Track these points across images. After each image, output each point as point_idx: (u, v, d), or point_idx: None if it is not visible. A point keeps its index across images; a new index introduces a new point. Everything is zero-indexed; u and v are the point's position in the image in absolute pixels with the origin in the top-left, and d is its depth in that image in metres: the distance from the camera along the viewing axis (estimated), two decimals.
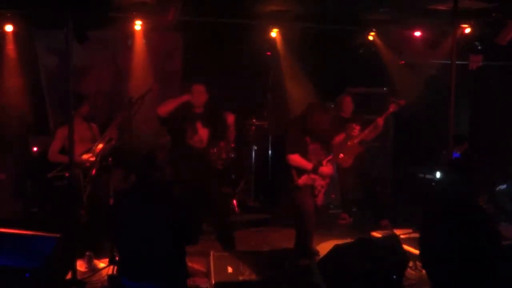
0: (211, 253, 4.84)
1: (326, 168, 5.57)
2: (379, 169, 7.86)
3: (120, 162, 6.11)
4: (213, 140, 5.83)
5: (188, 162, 5.56)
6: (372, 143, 7.04)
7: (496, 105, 7.68)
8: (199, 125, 5.63)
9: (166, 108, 5.50)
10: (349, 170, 6.94)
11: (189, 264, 4.47)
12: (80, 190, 5.63)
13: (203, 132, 5.65)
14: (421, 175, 8.01)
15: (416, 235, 6.28)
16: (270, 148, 8.11)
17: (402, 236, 6.05)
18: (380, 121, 6.71)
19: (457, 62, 6.34)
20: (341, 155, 6.79)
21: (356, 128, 5.96)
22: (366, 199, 7.18)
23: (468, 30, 7.15)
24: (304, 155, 5.50)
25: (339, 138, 5.97)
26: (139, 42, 7.22)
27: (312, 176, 5.53)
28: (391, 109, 6.72)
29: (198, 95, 5.58)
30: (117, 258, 4.66)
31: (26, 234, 4.36)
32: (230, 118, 5.68)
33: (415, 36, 7.74)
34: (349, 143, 6.69)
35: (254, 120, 7.78)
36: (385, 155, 8.07)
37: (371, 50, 8.16)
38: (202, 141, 5.65)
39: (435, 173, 7.76)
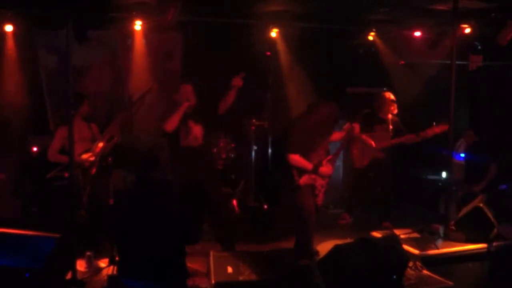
0: (211, 253, 4.85)
1: (326, 168, 5.56)
2: (380, 169, 7.84)
3: (120, 162, 6.11)
4: (210, 132, 5.80)
5: (187, 163, 5.55)
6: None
7: (495, 105, 7.68)
8: (191, 124, 5.61)
9: (173, 123, 5.46)
10: (362, 172, 6.92)
11: (189, 264, 4.47)
12: (80, 190, 5.62)
13: (196, 130, 5.63)
14: (425, 177, 7.93)
15: (416, 235, 6.34)
16: (270, 148, 8.11)
17: (402, 236, 6.07)
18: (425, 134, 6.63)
19: (457, 62, 6.36)
20: (355, 152, 6.76)
21: (357, 127, 5.93)
22: (370, 200, 7.17)
23: (468, 30, 7.15)
24: (305, 154, 5.50)
25: (338, 135, 5.91)
26: (139, 42, 7.22)
27: (313, 176, 5.53)
28: (435, 130, 6.57)
29: (187, 95, 5.56)
30: (117, 258, 4.66)
31: (26, 234, 4.35)
32: (237, 81, 5.50)
33: (415, 36, 7.74)
34: (370, 144, 6.66)
35: (254, 120, 7.77)
36: (385, 155, 8.05)
37: (371, 50, 8.15)
38: (197, 138, 5.64)
39: (440, 173, 7.68)
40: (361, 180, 7.11)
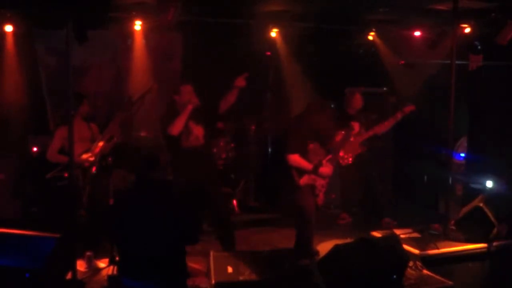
0: (211, 253, 4.85)
1: (326, 168, 5.56)
2: (380, 168, 7.84)
3: (120, 162, 6.11)
4: (211, 132, 5.80)
5: (188, 163, 5.55)
6: (373, 143, 7.02)
7: (496, 105, 7.67)
8: (192, 124, 5.59)
9: (178, 126, 5.42)
10: (350, 169, 6.92)
11: (189, 264, 4.46)
12: (80, 190, 5.62)
13: (197, 130, 5.62)
14: (474, 185, 7.41)
15: (416, 235, 6.33)
16: (270, 148, 8.11)
17: (402, 236, 6.06)
18: (389, 122, 6.79)
19: (457, 62, 6.36)
20: (341, 153, 6.77)
21: (356, 126, 5.94)
22: (366, 199, 7.17)
23: (468, 30, 7.15)
24: (304, 155, 5.50)
25: (339, 136, 5.93)
26: (139, 42, 7.22)
27: (313, 176, 5.53)
28: (403, 112, 6.75)
29: (187, 96, 5.55)
30: (117, 258, 4.66)
31: (26, 234, 4.35)
32: (240, 81, 5.50)
33: (415, 36, 7.74)
34: (350, 141, 6.67)
35: (254, 120, 7.78)
36: (385, 154, 8.06)
37: (371, 50, 8.15)
38: (199, 138, 5.63)
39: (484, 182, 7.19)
40: (349, 179, 7.12)
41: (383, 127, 6.86)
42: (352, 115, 6.87)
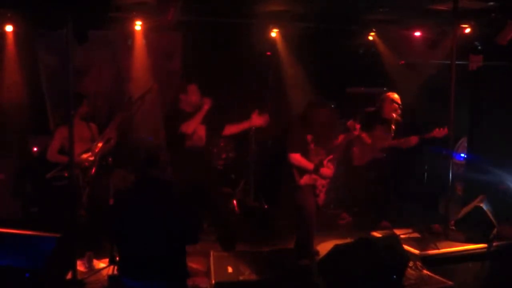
0: (211, 253, 4.86)
1: (327, 169, 5.56)
2: (381, 169, 7.85)
3: (120, 162, 6.11)
4: (213, 133, 5.83)
5: (189, 163, 5.55)
6: (392, 151, 6.96)
7: (496, 105, 7.68)
8: None
9: (193, 125, 5.46)
10: (360, 170, 6.89)
11: (189, 264, 4.47)
12: (80, 190, 5.62)
13: (200, 130, 5.63)
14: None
15: (416, 235, 6.33)
16: (270, 148, 8.10)
17: (402, 236, 6.07)
18: (414, 139, 6.60)
19: (457, 62, 6.36)
20: (356, 150, 6.72)
21: (357, 127, 5.92)
22: (368, 199, 7.16)
23: (468, 30, 7.15)
24: (305, 154, 5.50)
25: (341, 137, 5.91)
26: (139, 42, 7.22)
27: (314, 176, 5.52)
28: (434, 134, 6.53)
29: (193, 95, 5.56)
30: (117, 258, 4.66)
31: (26, 234, 4.36)
32: (259, 120, 5.71)
33: (415, 36, 7.74)
34: (369, 142, 6.62)
35: None
36: (387, 156, 8.05)
37: (371, 50, 8.15)
38: (202, 139, 5.64)
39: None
40: (358, 179, 7.09)
41: (408, 143, 6.63)
42: (388, 119, 6.72)
